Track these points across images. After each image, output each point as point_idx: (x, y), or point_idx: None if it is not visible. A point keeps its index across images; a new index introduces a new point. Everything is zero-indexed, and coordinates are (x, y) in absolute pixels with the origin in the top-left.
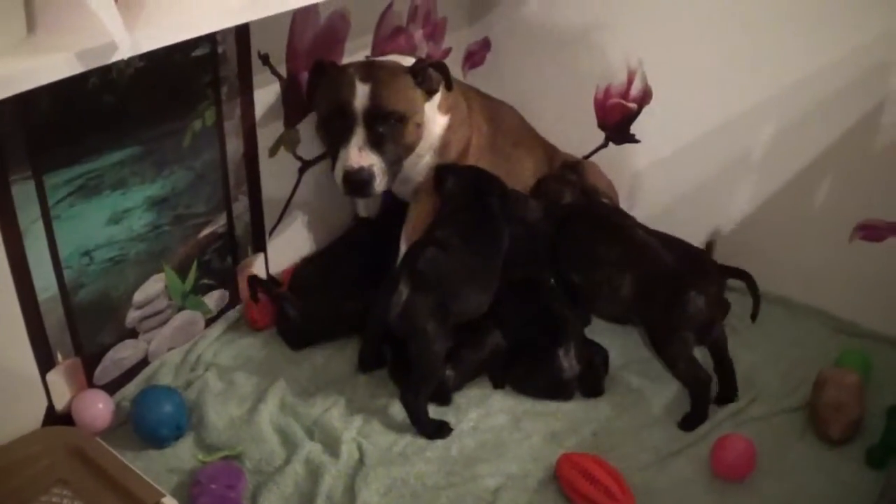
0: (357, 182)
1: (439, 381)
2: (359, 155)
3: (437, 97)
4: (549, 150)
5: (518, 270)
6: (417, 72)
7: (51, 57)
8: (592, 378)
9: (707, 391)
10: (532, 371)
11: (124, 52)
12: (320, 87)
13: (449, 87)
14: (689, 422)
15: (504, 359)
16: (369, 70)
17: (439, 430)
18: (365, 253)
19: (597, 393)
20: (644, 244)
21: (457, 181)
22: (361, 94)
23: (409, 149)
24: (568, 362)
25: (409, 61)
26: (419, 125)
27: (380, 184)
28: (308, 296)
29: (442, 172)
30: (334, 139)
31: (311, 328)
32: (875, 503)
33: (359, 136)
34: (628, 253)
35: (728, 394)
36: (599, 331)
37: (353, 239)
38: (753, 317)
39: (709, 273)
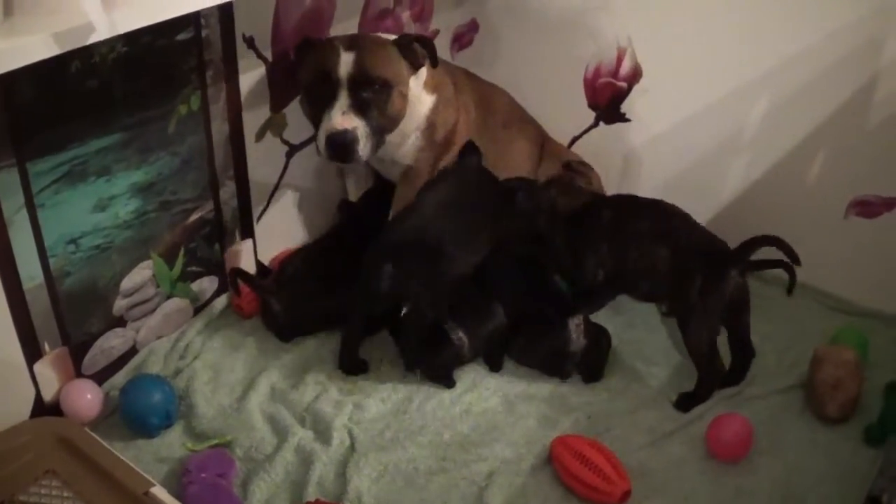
0: (340, 144)
1: (454, 358)
2: (342, 118)
3: (423, 75)
4: (541, 132)
5: (520, 246)
6: (403, 45)
7: (27, 39)
8: (595, 360)
9: (717, 380)
10: (538, 339)
11: (102, 33)
12: (305, 60)
13: (434, 63)
14: (686, 404)
15: (505, 336)
16: (354, 40)
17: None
18: (351, 247)
19: (596, 377)
20: (682, 217)
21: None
22: (346, 60)
23: (394, 120)
24: (577, 334)
25: (394, 37)
26: (403, 95)
27: (363, 147)
28: (294, 291)
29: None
30: (318, 106)
31: (296, 323)
32: (873, 481)
33: (343, 101)
34: (663, 226)
35: (736, 379)
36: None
37: (339, 233)
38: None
39: (741, 254)
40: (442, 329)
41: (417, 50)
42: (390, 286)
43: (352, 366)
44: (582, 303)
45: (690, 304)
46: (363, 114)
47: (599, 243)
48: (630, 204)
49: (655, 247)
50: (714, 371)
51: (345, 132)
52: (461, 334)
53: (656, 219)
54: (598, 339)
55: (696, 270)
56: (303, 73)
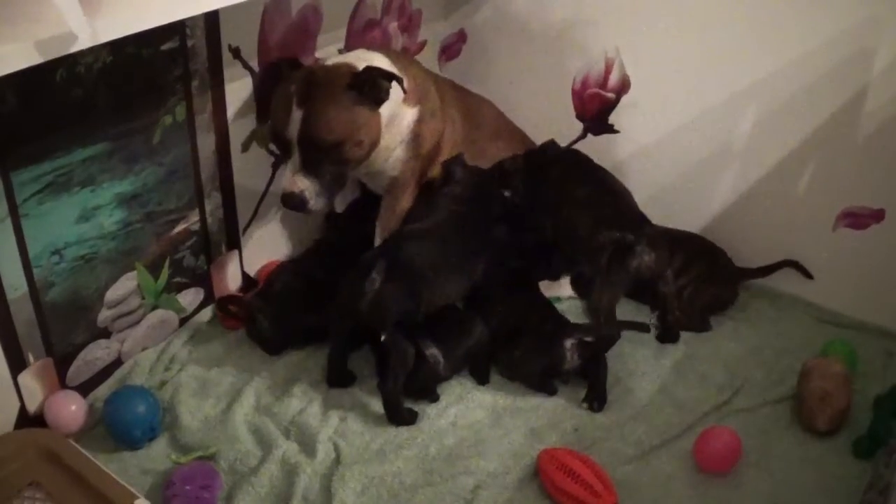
0: (291, 205)
1: (430, 376)
2: (292, 180)
3: (399, 93)
4: (528, 143)
5: (510, 259)
6: (362, 85)
7: (8, 47)
8: (599, 387)
9: (614, 340)
10: (532, 356)
11: (84, 41)
12: (272, 96)
13: (404, 91)
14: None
15: (488, 350)
16: (308, 89)
17: (408, 418)
18: (338, 260)
19: (604, 403)
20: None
21: (464, 173)
22: (295, 119)
23: (357, 162)
24: (571, 354)
25: (371, 60)
26: (361, 142)
27: (315, 205)
28: (280, 306)
29: (450, 164)
30: (280, 153)
31: (283, 338)
32: (863, 494)
33: (294, 161)
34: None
35: (673, 338)
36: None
37: (326, 245)
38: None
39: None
40: (415, 347)
41: (381, 85)
42: (370, 305)
43: (338, 380)
44: (542, 269)
45: (598, 270)
46: (315, 173)
47: (547, 200)
48: (576, 167)
49: (582, 211)
50: (610, 328)
51: (292, 195)
52: (435, 351)
53: (594, 187)
54: (597, 361)
55: (609, 242)
56: (269, 113)
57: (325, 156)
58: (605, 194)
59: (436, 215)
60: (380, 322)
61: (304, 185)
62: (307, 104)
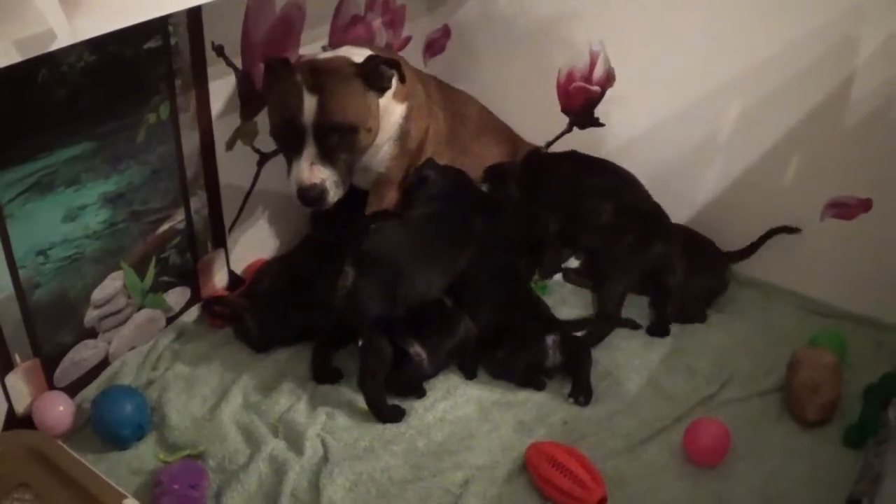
0: (311, 198)
1: (414, 373)
2: (310, 171)
3: (393, 86)
4: (514, 138)
5: (496, 257)
6: (368, 72)
7: None
8: (583, 381)
9: (611, 329)
10: (515, 354)
11: (63, 40)
12: (271, 93)
13: (402, 80)
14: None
15: (475, 346)
16: (317, 77)
17: (394, 415)
18: (325, 257)
19: (590, 397)
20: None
21: (437, 174)
22: (309, 106)
23: (363, 151)
24: (553, 350)
25: (362, 54)
26: (371, 129)
27: (334, 196)
28: (267, 306)
29: (421, 168)
30: (287, 149)
31: (270, 337)
32: (853, 484)
33: (310, 151)
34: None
35: (662, 332)
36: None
37: (312, 243)
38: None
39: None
40: (398, 345)
41: (384, 72)
42: (345, 301)
43: (324, 376)
44: (543, 262)
45: (615, 257)
46: (332, 161)
47: (556, 195)
48: (585, 161)
49: (602, 200)
50: (612, 320)
51: (313, 187)
52: (419, 349)
53: (609, 177)
54: (579, 356)
55: (630, 228)
56: (270, 108)
57: (340, 142)
58: (623, 183)
59: (412, 212)
60: (357, 319)
61: (324, 174)
62: (320, 90)
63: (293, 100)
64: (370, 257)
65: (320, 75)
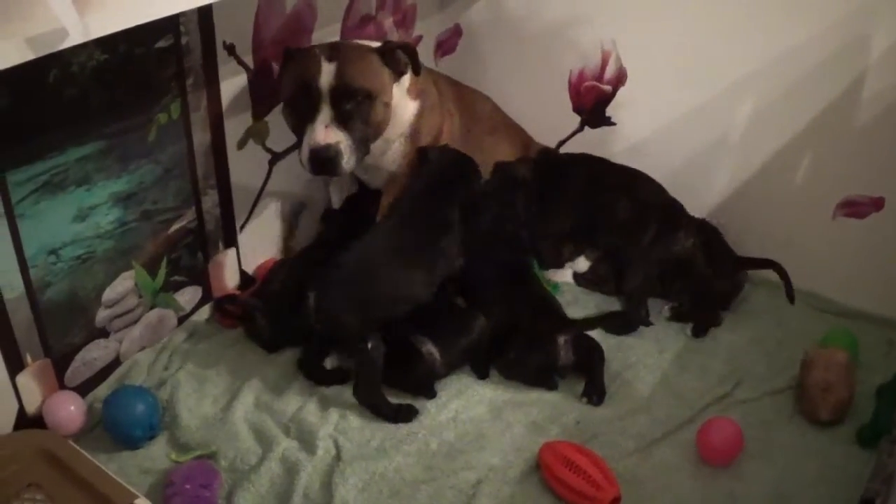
0: (323, 160)
1: (426, 373)
2: (325, 132)
3: (406, 82)
4: (526, 137)
5: (501, 253)
6: (385, 52)
7: None
8: (596, 381)
9: (639, 322)
10: (526, 354)
11: (75, 38)
12: (287, 70)
13: (416, 71)
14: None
15: (488, 345)
16: (335, 49)
17: (405, 413)
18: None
19: (602, 397)
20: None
21: (439, 155)
22: (327, 71)
23: (378, 129)
24: (565, 350)
25: (377, 45)
26: (387, 104)
27: (347, 161)
28: (278, 306)
29: (426, 148)
30: (300, 119)
31: (281, 337)
32: (866, 483)
33: (325, 114)
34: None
35: (699, 332)
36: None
37: (323, 243)
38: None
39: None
40: (411, 344)
41: (400, 57)
42: (320, 321)
43: (317, 376)
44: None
45: (639, 251)
46: (346, 126)
47: (572, 196)
48: (599, 162)
49: (621, 196)
50: (637, 313)
51: (328, 147)
52: (431, 348)
53: (626, 176)
54: (591, 356)
55: (650, 222)
56: (284, 83)
57: (356, 108)
58: (643, 182)
59: (396, 211)
60: (339, 332)
61: (338, 136)
62: (338, 58)
63: (311, 67)
64: (330, 271)
65: (339, 48)
